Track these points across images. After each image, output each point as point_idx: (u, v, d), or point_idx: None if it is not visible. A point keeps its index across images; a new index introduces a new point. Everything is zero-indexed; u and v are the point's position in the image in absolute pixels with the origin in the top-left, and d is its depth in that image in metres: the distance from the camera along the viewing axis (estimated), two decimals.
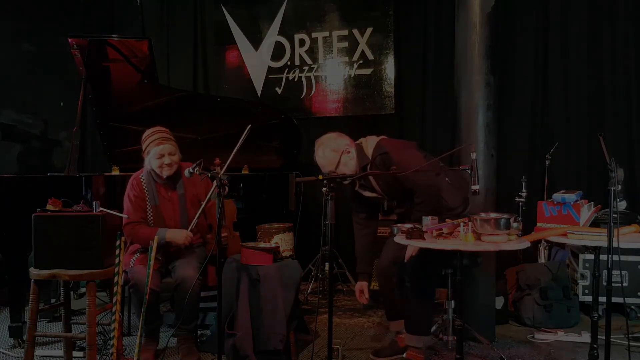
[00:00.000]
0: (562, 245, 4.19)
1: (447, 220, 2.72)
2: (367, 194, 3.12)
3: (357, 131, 5.30)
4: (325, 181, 2.51)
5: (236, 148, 2.77)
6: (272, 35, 5.53)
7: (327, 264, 4.43)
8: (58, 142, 5.62)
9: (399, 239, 2.64)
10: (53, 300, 3.96)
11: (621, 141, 4.48)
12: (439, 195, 2.87)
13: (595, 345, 2.68)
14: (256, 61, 5.61)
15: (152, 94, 4.09)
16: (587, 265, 3.90)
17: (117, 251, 2.69)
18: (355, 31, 5.26)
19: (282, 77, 5.53)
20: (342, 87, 5.34)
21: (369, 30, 5.21)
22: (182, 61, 5.79)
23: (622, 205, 3.75)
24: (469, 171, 2.58)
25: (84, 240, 2.63)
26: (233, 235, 3.38)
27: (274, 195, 3.98)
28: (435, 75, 5.02)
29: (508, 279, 3.97)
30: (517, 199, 4.35)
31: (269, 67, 5.56)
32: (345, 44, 5.31)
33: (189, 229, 3.12)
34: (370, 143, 3.05)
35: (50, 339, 3.44)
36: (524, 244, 2.56)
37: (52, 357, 3.17)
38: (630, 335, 3.10)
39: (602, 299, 2.82)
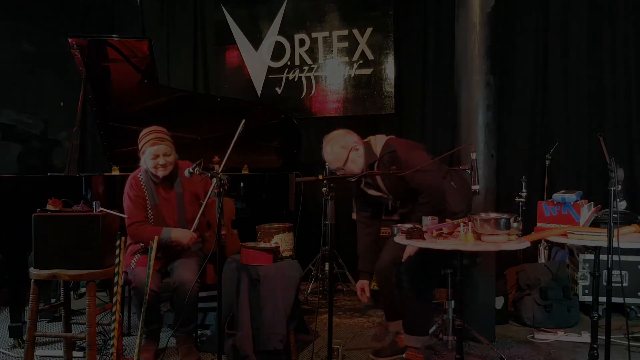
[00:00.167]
0: (562, 245, 4.19)
1: (447, 220, 2.72)
2: (372, 192, 3.12)
3: (357, 131, 5.25)
4: (325, 181, 2.51)
5: (232, 142, 2.79)
6: (272, 35, 5.53)
7: (327, 264, 4.43)
8: (58, 142, 5.62)
9: (399, 239, 2.64)
10: (53, 300, 3.96)
11: (621, 141, 4.48)
12: (443, 198, 2.88)
13: (595, 345, 2.68)
14: (256, 61, 5.61)
15: (152, 94, 4.09)
16: (587, 265, 3.90)
17: (117, 251, 2.69)
18: (355, 31, 5.27)
19: (282, 77, 5.53)
20: (342, 87, 5.34)
21: (369, 30, 5.21)
22: (182, 61, 5.79)
23: (622, 205, 3.75)
24: (468, 171, 2.58)
25: (84, 240, 2.63)
26: (231, 233, 3.38)
27: (274, 195, 3.98)
28: (435, 75, 5.02)
29: (508, 279, 3.97)
30: (517, 199, 4.35)
31: (269, 67, 5.56)
32: (345, 44, 5.31)
33: (192, 229, 3.12)
34: (378, 141, 3.05)
35: (50, 339, 3.44)
36: (524, 244, 2.56)
37: (52, 357, 3.17)
38: (630, 335, 3.10)
39: (602, 299, 2.82)
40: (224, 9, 5.67)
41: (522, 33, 4.79)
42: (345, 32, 5.30)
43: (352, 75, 5.30)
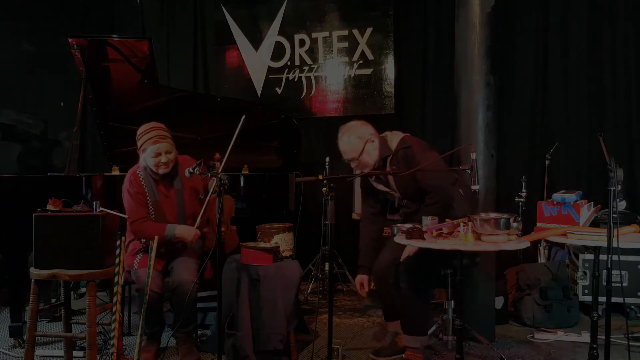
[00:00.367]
0: (562, 245, 4.19)
1: (447, 220, 2.72)
2: (381, 187, 3.12)
3: None
4: (325, 181, 2.51)
5: (233, 138, 2.80)
6: (272, 36, 5.53)
7: (327, 264, 4.43)
8: (58, 142, 5.62)
9: (399, 239, 2.64)
10: (53, 300, 3.96)
11: (621, 141, 4.48)
12: (450, 203, 2.88)
13: (595, 345, 2.68)
14: (256, 61, 5.61)
15: (152, 94, 4.09)
16: (587, 265, 3.90)
17: (117, 251, 2.69)
18: (355, 31, 5.27)
19: (282, 77, 5.53)
20: (342, 87, 5.34)
21: (369, 30, 5.21)
22: (182, 61, 5.79)
23: (622, 205, 3.75)
24: (468, 171, 2.58)
25: (84, 240, 2.63)
26: (230, 229, 3.38)
27: (274, 195, 3.97)
28: (435, 75, 5.02)
29: (508, 279, 3.97)
30: (517, 199, 4.35)
31: (269, 67, 5.56)
32: (345, 44, 5.31)
33: (195, 226, 3.12)
34: (395, 137, 3.07)
35: (50, 338, 3.44)
36: (524, 244, 2.56)
37: (53, 357, 3.17)
38: (630, 335, 3.10)
39: (602, 299, 2.82)
40: (224, 9, 5.67)
41: (522, 33, 4.79)
42: (345, 32, 5.30)
43: (352, 75, 5.30)
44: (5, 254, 3.38)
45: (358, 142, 2.98)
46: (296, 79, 5.48)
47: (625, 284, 3.75)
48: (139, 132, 3.15)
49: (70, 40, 3.67)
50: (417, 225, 2.62)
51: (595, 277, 2.71)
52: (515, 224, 2.50)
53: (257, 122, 4.26)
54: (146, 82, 3.99)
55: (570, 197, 2.80)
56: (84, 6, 5.79)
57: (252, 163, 4.31)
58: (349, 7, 5.28)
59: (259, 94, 5.59)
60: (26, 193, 3.40)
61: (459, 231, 2.54)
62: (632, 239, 2.66)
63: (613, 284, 2.53)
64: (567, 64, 4.66)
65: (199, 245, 3.24)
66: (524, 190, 4.36)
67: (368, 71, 5.25)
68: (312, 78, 5.43)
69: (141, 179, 3.17)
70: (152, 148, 3.08)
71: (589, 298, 3.85)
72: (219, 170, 3.00)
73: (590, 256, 3.87)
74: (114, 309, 2.71)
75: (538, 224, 2.91)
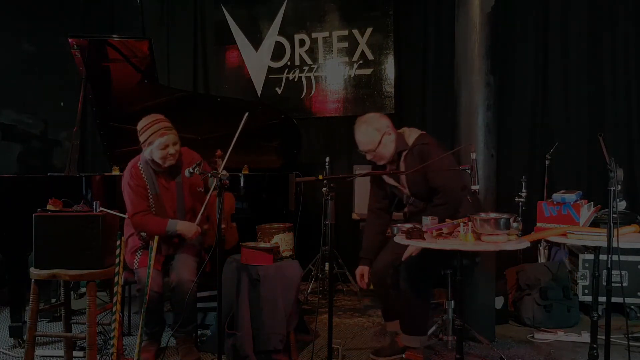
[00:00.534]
0: (561, 245, 4.19)
1: (447, 220, 2.73)
2: (391, 182, 3.11)
3: None
4: (325, 181, 2.51)
5: (236, 135, 2.81)
6: (272, 36, 5.53)
7: (327, 264, 4.43)
8: (58, 142, 5.61)
9: (399, 239, 2.64)
10: (53, 300, 3.96)
11: (621, 141, 4.49)
12: (458, 206, 2.88)
13: (595, 345, 2.68)
14: (256, 61, 5.61)
15: (152, 94, 4.09)
16: (586, 265, 3.90)
17: (117, 251, 2.69)
18: (355, 31, 5.27)
19: (282, 77, 5.53)
20: (342, 87, 5.34)
21: (369, 30, 5.21)
22: (182, 61, 5.79)
23: (622, 205, 3.75)
24: (468, 171, 2.58)
25: (84, 240, 2.63)
26: (230, 226, 3.37)
27: (274, 195, 3.97)
28: (435, 75, 5.02)
29: (508, 279, 3.97)
30: (517, 199, 4.35)
31: (269, 67, 5.56)
32: (345, 44, 5.31)
33: (196, 223, 3.12)
34: (413, 133, 3.09)
35: (50, 338, 3.45)
36: (524, 244, 2.56)
37: (53, 357, 3.17)
38: (630, 335, 3.11)
39: (602, 299, 2.82)
40: (224, 9, 5.67)
41: (522, 33, 4.79)
42: (345, 32, 5.30)
43: (352, 75, 5.31)
44: (5, 254, 3.38)
45: (375, 134, 2.98)
46: (296, 79, 5.48)
47: (625, 284, 3.75)
48: (141, 125, 3.12)
49: (70, 40, 3.66)
50: (417, 225, 2.62)
51: (595, 277, 2.71)
52: (515, 224, 2.50)
53: (257, 122, 4.26)
54: (146, 82, 3.99)
55: (570, 197, 2.80)
56: (84, 6, 5.78)
57: (252, 163, 4.31)
58: (349, 7, 5.28)
59: (259, 94, 5.59)
60: (26, 193, 3.40)
61: (459, 231, 2.54)
62: (632, 239, 2.66)
63: (613, 284, 2.52)
64: (567, 64, 4.66)
65: (199, 242, 3.24)
66: (524, 190, 4.36)
67: (368, 71, 5.25)
68: (312, 78, 5.43)
69: (142, 172, 3.15)
70: (161, 140, 3.06)
71: (589, 298, 3.85)
72: (221, 167, 3.01)
73: (590, 256, 3.87)
74: (114, 309, 2.71)
75: (538, 224, 2.91)
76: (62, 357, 2.99)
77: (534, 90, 4.77)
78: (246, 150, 3.92)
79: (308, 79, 5.45)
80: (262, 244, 3.08)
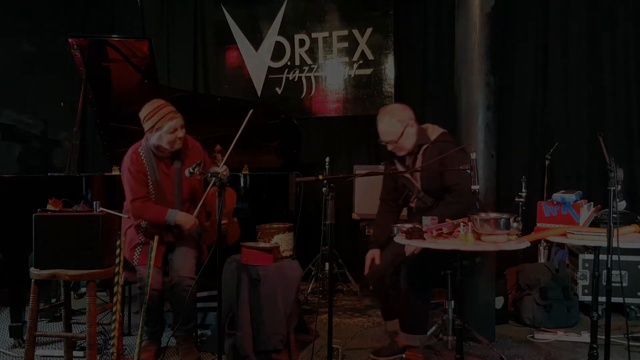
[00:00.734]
0: (562, 245, 4.19)
1: (447, 220, 2.73)
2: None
3: (357, 131, 5.36)
4: (325, 181, 2.51)
5: (239, 131, 2.82)
6: (272, 36, 5.53)
7: (327, 264, 4.43)
8: (58, 142, 5.62)
9: (399, 239, 2.64)
10: (53, 300, 3.96)
11: (621, 141, 4.49)
12: (470, 207, 2.88)
13: (595, 345, 2.68)
14: (256, 61, 5.61)
15: (152, 94, 4.05)
16: (586, 265, 3.90)
17: (117, 251, 2.69)
18: (355, 31, 5.27)
19: (282, 77, 5.53)
20: (342, 87, 5.34)
21: (369, 30, 5.21)
22: (182, 61, 5.79)
23: (622, 205, 3.75)
24: (468, 171, 2.58)
25: (84, 240, 2.63)
26: (231, 221, 3.37)
27: (274, 195, 3.98)
28: (435, 75, 5.02)
29: (508, 279, 3.97)
30: (517, 199, 4.35)
31: (269, 67, 5.56)
32: (345, 44, 5.31)
33: (194, 215, 3.12)
34: (436, 130, 3.10)
35: (50, 338, 3.45)
36: (524, 244, 2.56)
37: (53, 357, 3.17)
38: (629, 335, 3.11)
39: (602, 299, 2.82)
40: (224, 9, 5.67)
41: (522, 33, 4.79)
42: (345, 32, 5.30)
43: (352, 75, 5.31)
44: (5, 254, 3.38)
45: (398, 126, 2.99)
46: (296, 79, 5.48)
47: (625, 284, 3.75)
48: (147, 111, 3.10)
49: (70, 40, 3.66)
50: (417, 225, 2.62)
51: (595, 277, 2.71)
52: (515, 224, 2.50)
53: (257, 122, 4.25)
54: (146, 82, 3.99)
55: (570, 197, 2.80)
56: (84, 6, 5.79)
57: (252, 163, 4.31)
58: (349, 7, 5.28)
59: (259, 94, 5.59)
60: (26, 193, 3.41)
61: (459, 231, 2.54)
62: (632, 239, 2.66)
63: (613, 284, 2.53)
64: (567, 64, 4.66)
65: (197, 234, 3.23)
66: (524, 190, 4.36)
67: (368, 71, 5.25)
68: (312, 78, 5.43)
69: (143, 158, 3.14)
70: (170, 124, 3.06)
71: (589, 298, 3.85)
72: (221, 163, 3.02)
73: (590, 256, 3.87)
74: (114, 309, 2.71)
75: (538, 224, 2.91)
76: (62, 357, 2.99)
77: (534, 90, 4.77)
78: (246, 150, 3.93)
79: (308, 79, 5.45)
80: (262, 244, 3.08)
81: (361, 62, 5.26)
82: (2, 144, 5.30)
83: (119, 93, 4.08)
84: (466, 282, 3.09)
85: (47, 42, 5.44)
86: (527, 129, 4.79)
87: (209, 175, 2.73)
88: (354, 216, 4.75)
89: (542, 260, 4.24)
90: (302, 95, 5.46)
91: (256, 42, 5.60)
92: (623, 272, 3.74)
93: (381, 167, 4.69)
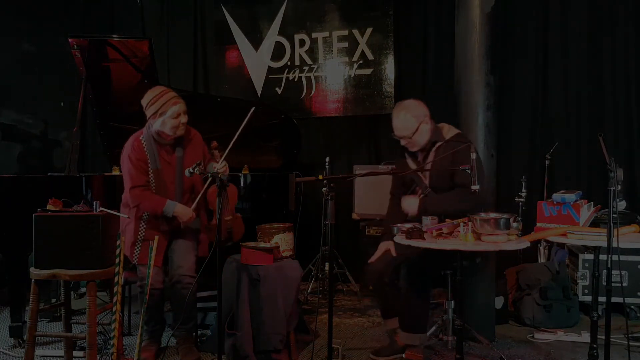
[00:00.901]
0: (562, 245, 4.19)
1: (447, 220, 2.73)
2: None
3: (357, 131, 5.37)
4: (325, 181, 2.51)
5: (240, 128, 2.82)
6: (272, 36, 5.53)
7: (327, 264, 4.43)
8: (58, 142, 5.62)
9: (399, 238, 2.64)
10: (53, 300, 3.96)
11: (621, 141, 4.48)
12: (480, 208, 2.88)
13: (595, 345, 2.68)
14: (256, 61, 5.61)
15: None
16: (586, 265, 3.90)
17: (117, 251, 2.69)
18: (355, 31, 5.27)
19: (282, 77, 5.53)
20: (342, 87, 5.34)
21: (369, 31, 5.21)
22: (182, 61, 5.79)
23: (622, 205, 3.74)
24: (468, 171, 2.58)
25: (84, 240, 2.63)
26: (235, 217, 3.37)
27: (274, 195, 3.98)
28: (435, 75, 5.02)
29: (508, 279, 3.97)
30: (517, 199, 4.35)
31: (269, 67, 5.56)
32: (345, 44, 5.31)
33: (192, 208, 3.11)
34: (452, 129, 3.14)
35: (50, 338, 3.45)
36: (524, 244, 2.56)
37: (53, 357, 3.18)
38: (629, 335, 3.11)
39: (602, 298, 2.82)
40: (224, 9, 5.67)
41: (522, 33, 4.79)
42: (345, 32, 5.30)
43: (352, 75, 5.30)
44: (5, 254, 3.38)
45: (413, 122, 3.01)
46: (296, 79, 5.48)
47: (625, 284, 3.75)
48: (149, 97, 3.10)
49: (70, 40, 3.66)
50: (417, 225, 2.63)
51: (595, 277, 2.71)
52: (515, 224, 2.50)
53: (257, 122, 4.25)
54: (146, 82, 3.98)
55: (570, 197, 2.80)
56: (84, 6, 5.79)
57: (252, 163, 4.31)
58: (349, 7, 5.28)
59: (259, 94, 5.59)
60: (26, 193, 3.41)
61: (459, 231, 2.54)
62: (632, 239, 2.66)
63: (613, 284, 2.53)
64: (567, 64, 4.65)
65: (195, 227, 3.22)
66: (524, 190, 4.36)
67: (368, 71, 5.25)
68: (312, 78, 5.43)
69: (144, 146, 3.13)
70: (174, 109, 3.06)
71: (589, 298, 3.85)
72: (221, 160, 3.02)
73: (590, 256, 3.87)
74: (114, 309, 2.71)
75: (538, 224, 2.91)
76: (62, 357, 2.99)
77: (534, 90, 4.77)
78: (246, 150, 3.92)
79: (308, 79, 5.45)
80: (262, 244, 3.08)
81: (361, 62, 5.26)
82: (2, 144, 5.30)
83: (119, 93, 4.08)
84: (466, 282, 3.09)
85: (47, 42, 5.44)
86: (527, 129, 4.79)
87: (209, 175, 2.73)
88: (354, 216, 4.75)
89: (542, 260, 4.24)
90: (302, 95, 5.46)
91: (256, 42, 5.60)
92: (623, 272, 3.74)
93: (381, 167, 4.72)
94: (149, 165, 3.12)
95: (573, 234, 2.62)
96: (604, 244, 2.44)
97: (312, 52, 5.42)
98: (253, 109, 2.85)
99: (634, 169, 4.42)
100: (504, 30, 4.67)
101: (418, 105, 3.09)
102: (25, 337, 2.88)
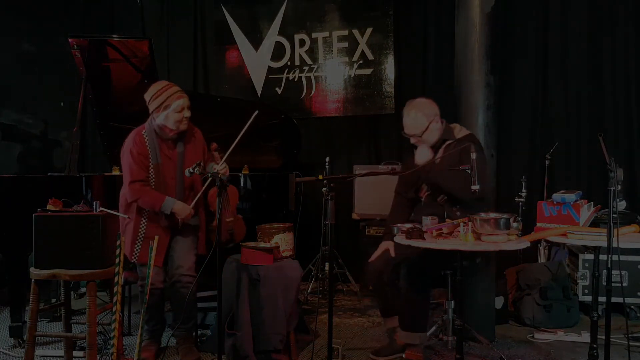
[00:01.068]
0: (562, 245, 4.19)
1: (446, 220, 2.73)
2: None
3: (357, 131, 5.37)
4: (325, 181, 2.51)
5: (243, 131, 2.84)
6: (272, 36, 5.53)
7: (327, 264, 4.43)
8: (58, 142, 5.62)
9: (399, 238, 2.64)
10: (53, 300, 3.96)
11: (621, 141, 4.48)
12: (490, 205, 2.88)
13: (595, 345, 2.68)
14: (256, 61, 5.61)
15: None
16: (586, 265, 3.90)
17: (117, 251, 2.69)
18: (355, 31, 5.27)
19: (282, 77, 5.53)
20: (342, 87, 5.34)
21: (369, 31, 5.21)
22: (182, 61, 5.79)
23: (622, 205, 3.73)
24: (468, 171, 2.58)
25: (84, 240, 2.63)
26: (237, 218, 3.37)
27: (274, 195, 3.98)
28: (435, 75, 5.02)
29: (508, 279, 3.97)
30: (517, 199, 4.35)
31: (269, 67, 5.56)
32: (345, 44, 5.31)
33: (191, 205, 3.10)
34: (463, 130, 3.15)
35: (50, 338, 3.45)
36: (524, 244, 2.56)
37: (53, 357, 3.18)
38: (629, 335, 3.10)
39: (602, 299, 2.82)
40: (224, 9, 5.67)
41: (522, 33, 4.78)
42: (345, 32, 5.30)
43: (352, 75, 5.30)
44: (5, 254, 3.38)
45: (423, 120, 3.02)
46: (296, 79, 5.48)
47: (625, 284, 3.75)
48: (153, 91, 3.09)
49: (70, 40, 3.66)
50: (417, 225, 2.63)
51: (595, 277, 2.71)
52: (515, 224, 2.50)
53: (257, 122, 4.25)
54: (146, 82, 3.97)
55: (570, 197, 2.81)
56: (84, 6, 5.79)
57: (252, 163, 4.30)
58: (349, 7, 5.28)
59: (259, 94, 5.59)
60: (26, 193, 3.41)
61: (459, 231, 2.54)
62: (632, 239, 2.67)
63: (613, 284, 2.53)
64: (567, 64, 4.65)
65: (195, 224, 3.22)
66: (524, 190, 4.36)
67: (368, 71, 5.25)
68: (312, 78, 5.43)
69: (146, 140, 3.11)
70: (178, 103, 3.05)
71: (589, 298, 3.85)
72: (221, 161, 3.01)
73: (590, 256, 3.87)
74: (114, 309, 2.71)
75: (538, 224, 2.91)
76: (62, 357, 2.99)
77: (534, 90, 4.77)
78: (246, 150, 3.92)
79: (308, 79, 5.45)
80: (262, 244, 3.08)
81: (361, 62, 5.26)
82: (2, 144, 5.30)
83: (119, 93, 4.08)
84: (466, 282, 3.09)
85: (47, 42, 5.44)
86: (527, 129, 4.79)
87: (209, 175, 2.73)
88: (354, 216, 4.76)
89: (542, 260, 4.24)
90: (302, 95, 5.46)
91: (256, 42, 5.60)
92: (623, 272, 3.74)
93: (381, 167, 4.72)
94: (150, 160, 3.10)
95: (573, 234, 2.62)
96: (604, 244, 2.44)
97: (312, 52, 5.42)
98: (256, 112, 2.84)
99: (634, 169, 4.42)
100: (504, 30, 4.68)
101: (429, 104, 3.10)
102: (25, 337, 2.88)
